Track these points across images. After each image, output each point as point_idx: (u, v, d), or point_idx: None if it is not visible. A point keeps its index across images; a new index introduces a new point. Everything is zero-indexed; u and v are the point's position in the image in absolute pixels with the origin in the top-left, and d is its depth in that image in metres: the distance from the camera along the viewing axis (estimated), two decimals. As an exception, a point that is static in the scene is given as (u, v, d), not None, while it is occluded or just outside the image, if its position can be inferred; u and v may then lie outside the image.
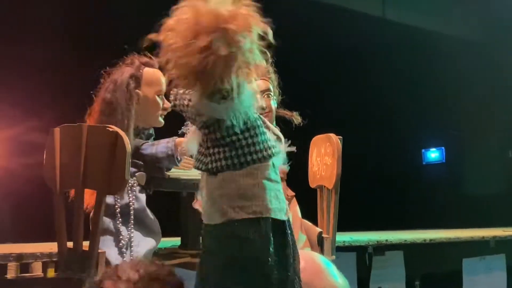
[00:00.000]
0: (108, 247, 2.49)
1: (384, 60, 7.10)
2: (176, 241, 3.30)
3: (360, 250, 4.72)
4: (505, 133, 8.09)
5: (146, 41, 2.02)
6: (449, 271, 5.23)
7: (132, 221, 2.57)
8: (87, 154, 2.41)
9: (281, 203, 2.10)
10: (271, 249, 2.02)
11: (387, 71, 7.08)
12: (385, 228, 5.68)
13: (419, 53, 7.39)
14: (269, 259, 2.00)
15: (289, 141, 2.26)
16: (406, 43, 7.30)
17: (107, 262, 2.44)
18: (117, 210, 2.55)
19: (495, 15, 7.65)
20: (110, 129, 2.38)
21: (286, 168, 2.32)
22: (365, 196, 6.73)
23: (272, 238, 2.04)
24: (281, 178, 2.19)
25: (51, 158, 2.51)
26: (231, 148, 2.04)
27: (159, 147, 2.57)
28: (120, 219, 2.55)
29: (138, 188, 2.63)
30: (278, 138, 2.64)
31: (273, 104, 3.03)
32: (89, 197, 2.53)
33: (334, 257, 3.01)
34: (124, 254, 2.52)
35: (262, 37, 2.05)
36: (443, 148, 8.56)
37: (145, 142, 2.62)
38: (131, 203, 2.58)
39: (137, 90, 2.71)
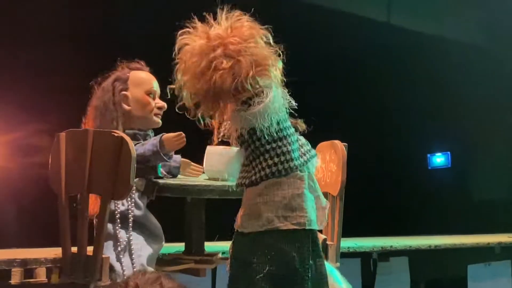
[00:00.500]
0: (106, 251, 2.49)
1: (389, 65, 7.08)
2: (180, 246, 3.29)
3: (364, 256, 4.71)
4: (510, 138, 8.06)
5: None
6: (454, 277, 5.22)
7: (131, 227, 2.56)
8: (92, 159, 2.42)
9: (315, 214, 2.14)
10: (310, 262, 2.05)
11: (392, 76, 7.07)
12: (390, 234, 5.66)
13: (424, 58, 7.37)
14: (309, 272, 2.05)
15: None
16: (411, 48, 7.28)
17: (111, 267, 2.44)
18: (117, 216, 2.54)
19: (501, 20, 7.63)
20: (116, 134, 2.39)
21: None
22: (370, 201, 6.71)
23: (310, 250, 2.07)
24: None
25: (57, 162, 2.52)
26: (271, 155, 2.07)
27: (147, 145, 2.57)
28: (119, 224, 2.55)
29: (137, 194, 2.62)
30: None
31: None
32: (93, 202, 2.53)
33: (338, 264, 3.00)
34: (122, 259, 2.51)
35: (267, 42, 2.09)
36: (448, 152, 8.52)
37: (137, 143, 2.62)
38: (129, 210, 2.57)
39: (124, 92, 2.73)
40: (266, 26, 2.12)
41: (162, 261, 2.95)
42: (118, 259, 2.50)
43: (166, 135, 2.57)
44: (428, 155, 8.63)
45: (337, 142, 3.12)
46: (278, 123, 2.10)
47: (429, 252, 4.88)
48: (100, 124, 2.65)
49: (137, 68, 2.82)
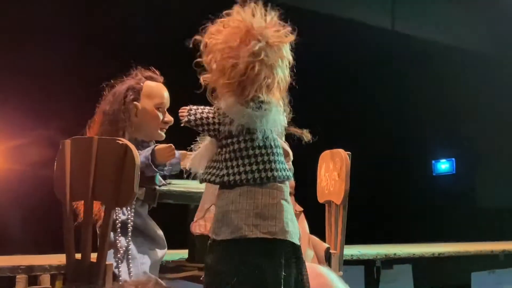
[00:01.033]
0: (108, 260, 2.50)
1: (393, 72, 7.10)
2: (183, 253, 3.30)
3: (368, 264, 4.71)
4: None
5: (192, 41, 2.08)
6: (458, 285, 5.21)
7: (130, 235, 2.57)
8: (97, 167, 2.42)
9: (295, 227, 2.09)
10: (284, 274, 2.00)
11: (396, 83, 7.09)
12: (393, 241, 5.66)
13: (429, 65, 7.39)
14: (282, 285, 1.98)
15: None
16: (415, 55, 7.30)
17: (114, 275, 2.45)
18: (118, 225, 2.55)
19: (505, 27, 7.63)
20: (120, 142, 2.39)
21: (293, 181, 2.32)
22: (374, 208, 6.71)
23: (283, 262, 2.02)
24: (290, 193, 2.20)
25: (61, 169, 2.52)
26: (252, 161, 2.04)
27: (141, 157, 2.56)
28: (119, 233, 2.56)
29: (138, 203, 2.63)
30: (288, 153, 2.66)
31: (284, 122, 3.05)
32: (96, 210, 2.54)
33: (341, 273, 3.00)
34: (120, 267, 2.52)
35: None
36: (453, 159, 8.52)
37: None
38: (129, 220, 2.58)
39: (135, 102, 2.72)
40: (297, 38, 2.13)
41: (165, 268, 2.95)
42: (117, 267, 2.51)
43: (159, 147, 2.55)
44: (433, 161, 8.62)
45: (340, 150, 3.13)
46: (268, 138, 2.09)
47: (432, 259, 4.88)
48: (107, 131, 2.64)
49: (152, 78, 2.79)
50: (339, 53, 6.41)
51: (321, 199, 3.30)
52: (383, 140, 7.24)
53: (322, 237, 3.17)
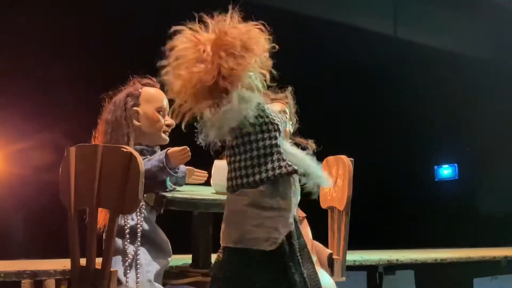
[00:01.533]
0: (115, 266, 2.52)
1: (396, 78, 7.11)
2: (187, 259, 3.31)
3: (371, 269, 4.73)
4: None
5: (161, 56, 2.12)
6: (460, 290, 5.22)
7: (139, 241, 2.59)
8: (101, 174, 2.43)
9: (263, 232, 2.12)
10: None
11: (399, 88, 7.10)
12: (396, 247, 5.67)
13: (431, 71, 7.40)
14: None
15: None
16: (417, 61, 7.31)
17: (118, 281, 2.47)
18: (126, 231, 2.58)
19: (507, 33, 7.65)
20: (124, 150, 2.41)
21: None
22: (376, 214, 6.72)
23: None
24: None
25: (66, 176, 2.54)
26: (242, 166, 2.09)
27: (153, 161, 2.60)
28: (128, 239, 2.58)
29: (147, 209, 2.66)
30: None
31: (289, 127, 3.07)
32: (102, 216, 2.57)
33: (344, 278, 3.02)
34: (129, 274, 2.54)
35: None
36: (456, 164, 8.51)
37: (144, 159, 2.65)
38: (138, 225, 2.61)
39: (135, 108, 2.76)
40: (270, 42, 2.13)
41: (169, 274, 2.97)
42: (125, 274, 2.53)
43: (171, 150, 2.60)
44: (435, 167, 8.62)
45: (343, 157, 3.14)
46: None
47: (435, 265, 4.89)
48: (111, 139, 2.69)
49: (149, 84, 2.85)
50: (341, 59, 6.42)
51: (324, 205, 3.32)
52: (386, 145, 7.25)
53: (325, 243, 3.19)
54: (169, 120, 2.83)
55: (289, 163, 2.06)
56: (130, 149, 2.40)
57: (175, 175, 2.68)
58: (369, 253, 4.85)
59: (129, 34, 5.13)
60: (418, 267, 4.91)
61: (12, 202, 4.64)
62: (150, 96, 2.82)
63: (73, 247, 2.50)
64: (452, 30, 7.61)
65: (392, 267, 4.81)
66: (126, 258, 2.56)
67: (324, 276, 2.66)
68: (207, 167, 2.97)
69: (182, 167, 2.84)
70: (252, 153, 2.08)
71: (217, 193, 2.91)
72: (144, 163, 2.57)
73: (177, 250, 2.92)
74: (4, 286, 2.80)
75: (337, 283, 2.93)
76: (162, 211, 2.72)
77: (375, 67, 6.86)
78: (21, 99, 4.68)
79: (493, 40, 7.99)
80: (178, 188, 2.85)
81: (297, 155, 2.12)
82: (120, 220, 2.59)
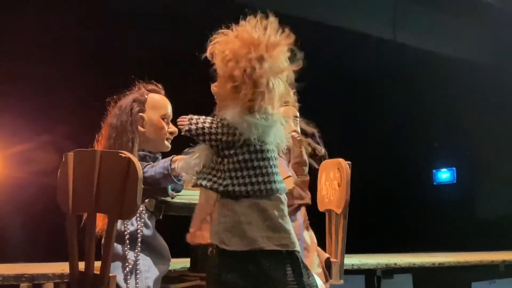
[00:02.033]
0: (114, 272, 2.52)
1: (394, 81, 7.13)
2: (185, 263, 3.32)
3: (369, 273, 4.73)
4: (516, 155, 8.07)
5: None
6: (459, 294, 5.23)
7: (139, 247, 2.60)
8: (100, 179, 2.44)
9: (295, 236, 2.15)
10: (293, 283, 2.06)
11: (397, 92, 7.11)
12: (394, 251, 5.67)
13: (430, 75, 7.42)
14: None
15: None
16: (416, 65, 7.33)
17: (117, 287, 2.47)
18: (126, 237, 2.59)
19: (506, 38, 7.67)
20: (123, 155, 2.41)
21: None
22: (375, 217, 6.73)
23: (291, 272, 2.07)
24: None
25: (64, 182, 2.54)
26: (257, 173, 2.08)
27: (157, 168, 2.60)
28: (128, 245, 2.59)
29: (147, 214, 2.67)
30: (305, 164, 2.74)
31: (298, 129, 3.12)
32: (101, 221, 2.57)
33: (342, 282, 3.02)
34: (129, 280, 2.55)
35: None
36: (454, 168, 8.53)
37: (147, 165, 2.66)
38: (139, 230, 2.62)
39: (141, 114, 2.77)
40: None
41: (167, 278, 2.97)
42: (126, 280, 2.54)
43: (176, 158, 2.60)
44: (434, 170, 8.64)
45: (341, 160, 3.14)
46: (270, 150, 2.13)
47: (433, 269, 4.89)
48: (115, 143, 2.69)
49: (155, 91, 2.86)
50: (340, 63, 6.44)
51: (321, 208, 3.33)
52: (384, 149, 7.27)
53: (323, 246, 3.20)
54: (172, 128, 2.84)
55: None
56: (128, 154, 2.41)
57: (179, 182, 2.69)
58: (367, 257, 4.85)
59: (131, 38, 5.14)
60: (416, 271, 4.91)
61: (11, 206, 4.64)
62: (156, 102, 2.82)
63: (72, 252, 2.50)
64: (450, 34, 7.63)
65: (390, 271, 4.81)
66: (126, 264, 2.56)
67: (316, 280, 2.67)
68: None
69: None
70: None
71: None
72: (148, 170, 2.59)
73: (175, 254, 2.93)
74: (2, 290, 2.81)
75: (335, 287, 2.94)
76: (161, 216, 2.73)
77: (373, 71, 6.87)
78: (20, 102, 4.69)
79: (491, 44, 8.01)
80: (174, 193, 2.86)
81: None
82: (120, 226, 2.59)
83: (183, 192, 2.94)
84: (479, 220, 7.85)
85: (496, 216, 7.82)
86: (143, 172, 2.64)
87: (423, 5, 7.48)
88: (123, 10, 5.18)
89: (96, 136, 2.80)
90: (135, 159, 2.38)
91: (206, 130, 2.12)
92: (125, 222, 2.58)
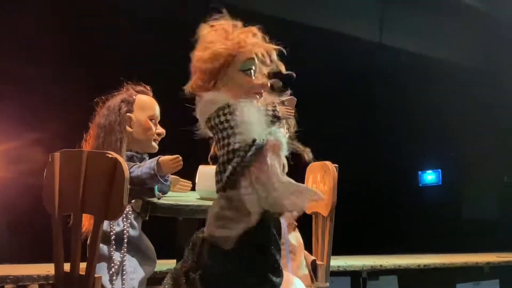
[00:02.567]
0: (100, 273, 2.51)
1: (380, 84, 7.15)
2: (172, 264, 3.30)
3: (354, 275, 4.74)
4: (500, 158, 8.12)
5: None
6: (443, 296, 5.25)
7: (125, 248, 2.59)
8: (86, 179, 2.43)
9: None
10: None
11: (384, 94, 7.14)
12: (379, 252, 5.69)
13: (416, 78, 7.45)
14: None
15: None
16: (402, 67, 7.36)
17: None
18: (112, 237, 2.58)
19: (494, 41, 7.72)
20: (110, 156, 2.40)
21: None
22: (360, 219, 6.74)
23: None
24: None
25: (51, 182, 2.53)
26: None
27: (143, 168, 2.60)
28: (114, 246, 2.58)
29: (133, 215, 2.67)
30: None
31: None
32: (87, 221, 2.56)
33: (328, 284, 3.03)
34: (115, 281, 2.54)
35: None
36: (439, 170, 8.56)
37: (134, 165, 2.66)
38: (125, 231, 2.61)
39: (129, 114, 2.78)
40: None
41: (153, 279, 2.96)
42: (111, 281, 2.53)
43: (163, 158, 2.60)
44: (419, 172, 8.66)
45: (328, 163, 3.15)
46: None
47: (418, 271, 4.92)
48: (104, 143, 2.70)
49: (143, 92, 2.88)
50: (326, 66, 6.45)
51: (308, 210, 3.33)
52: (370, 151, 7.28)
53: (309, 249, 3.20)
54: (160, 129, 2.86)
55: None
56: (115, 154, 2.40)
57: (165, 183, 2.69)
58: (353, 259, 4.87)
59: (121, 39, 5.12)
60: (401, 273, 4.94)
61: (-4, 205, 4.61)
62: (144, 103, 2.85)
63: (57, 253, 2.49)
64: (437, 37, 7.67)
65: (375, 273, 4.83)
66: (112, 265, 2.56)
67: (297, 284, 2.67)
68: (193, 174, 2.98)
69: (167, 176, 2.85)
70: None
71: (201, 198, 2.91)
72: (134, 170, 2.58)
73: (161, 256, 2.92)
74: (-13, 291, 2.79)
75: (321, 289, 2.94)
76: (147, 217, 2.72)
77: (359, 74, 6.89)
78: (5, 101, 4.66)
79: (477, 47, 8.06)
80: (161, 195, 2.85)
81: None
82: (106, 227, 2.58)
83: (169, 193, 2.94)
84: (464, 222, 7.89)
85: (481, 218, 7.87)
86: (130, 172, 2.63)
87: (409, 8, 7.52)
88: (113, 10, 5.17)
89: (84, 136, 2.80)
90: (122, 160, 2.38)
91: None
92: (111, 223, 2.58)
